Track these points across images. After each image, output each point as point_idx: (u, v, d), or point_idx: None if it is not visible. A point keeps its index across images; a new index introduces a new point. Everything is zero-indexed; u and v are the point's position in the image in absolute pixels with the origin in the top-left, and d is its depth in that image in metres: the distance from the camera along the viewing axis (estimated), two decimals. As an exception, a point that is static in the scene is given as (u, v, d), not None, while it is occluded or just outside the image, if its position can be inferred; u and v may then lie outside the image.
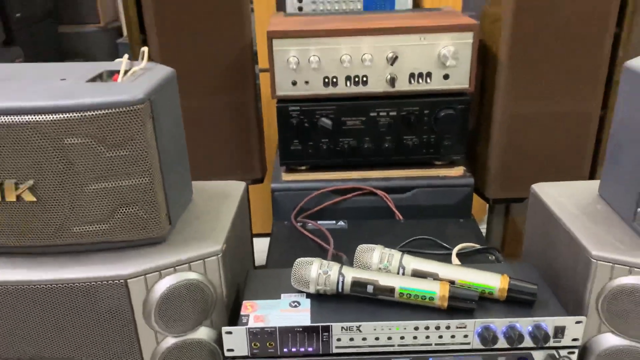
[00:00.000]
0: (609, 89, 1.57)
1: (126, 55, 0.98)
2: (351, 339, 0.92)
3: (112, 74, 0.96)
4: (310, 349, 0.92)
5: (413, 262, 1.01)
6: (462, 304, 0.93)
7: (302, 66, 1.45)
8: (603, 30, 1.52)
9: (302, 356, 0.93)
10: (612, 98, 1.58)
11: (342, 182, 1.51)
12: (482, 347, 0.93)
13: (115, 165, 0.85)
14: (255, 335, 0.91)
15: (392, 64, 1.44)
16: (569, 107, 1.59)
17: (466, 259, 1.22)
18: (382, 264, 1.01)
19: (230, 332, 0.90)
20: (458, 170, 1.55)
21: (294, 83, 1.46)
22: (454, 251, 1.22)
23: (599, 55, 1.54)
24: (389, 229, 1.39)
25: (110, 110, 0.81)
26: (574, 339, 0.92)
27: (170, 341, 0.93)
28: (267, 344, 0.91)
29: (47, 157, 0.82)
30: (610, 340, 0.93)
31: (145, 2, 1.55)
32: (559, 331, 0.92)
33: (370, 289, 0.95)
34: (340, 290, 0.96)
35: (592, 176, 1.66)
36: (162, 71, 0.95)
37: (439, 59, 1.44)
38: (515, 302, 0.96)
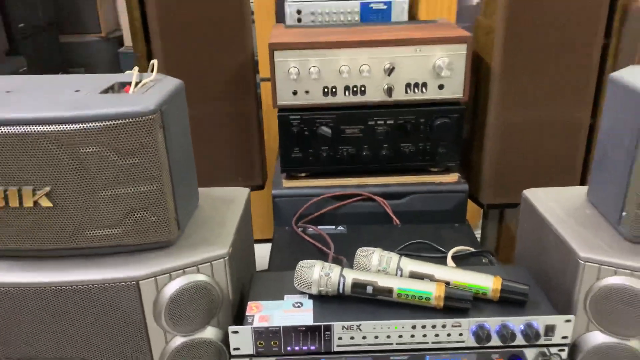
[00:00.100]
0: (599, 97, 1.63)
1: (136, 68, 1.03)
2: (352, 338, 0.96)
3: (124, 85, 1.00)
4: (312, 348, 0.96)
5: (410, 264, 1.05)
6: (457, 303, 0.97)
7: (302, 76, 1.49)
8: (592, 41, 1.57)
9: (304, 354, 0.97)
10: (602, 107, 1.63)
11: (341, 189, 1.56)
12: (476, 345, 0.97)
13: (127, 173, 0.89)
14: (260, 334, 0.95)
15: (389, 75, 1.49)
16: (559, 115, 1.64)
17: (461, 262, 1.26)
18: (381, 266, 1.05)
19: (236, 332, 0.94)
20: (453, 177, 1.59)
21: (295, 93, 1.51)
22: (449, 254, 1.26)
23: (588, 65, 1.59)
24: (387, 234, 1.42)
25: (123, 121, 0.86)
26: (564, 337, 0.96)
27: (178, 340, 0.97)
28: (272, 342, 0.95)
29: (63, 165, 0.86)
30: (598, 337, 0.97)
31: (151, 14, 1.60)
32: (550, 329, 0.96)
33: (369, 289, 1.00)
34: (341, 291, 1.01)
35: (582, 182, 1.70)
36: (172, 83, 0.99)
37: (434, 69, 1.49)
38: (508, 302, 1.00)
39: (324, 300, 1.02)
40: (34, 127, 0.84)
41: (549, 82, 1.60)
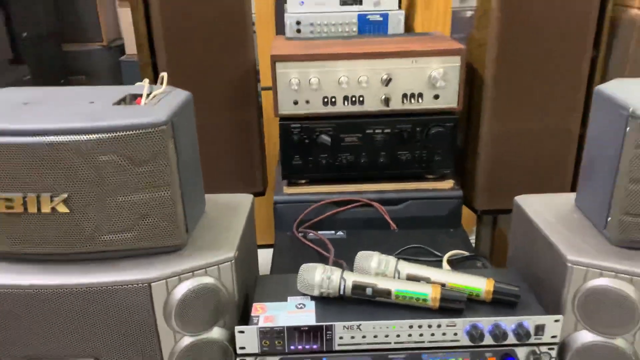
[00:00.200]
0: (588, 107, 1.68)
1: (146, 80, 1.08)
2: (352, 337, 1.01)
3: (135, 97, 1.05)
4: (315, 347, 1.01)
5: (407, 267, 1.11)
6: (452, 304, 1.02)
7: (303, 87, 1.54)
8: (581, 54, 1.63)
9: (307, 353, 1.01)
10: (591, 116, 1.69)
11: (340, 195, 1.60)
12: (470, 343, 1.01)
13: (140, 180, 0.94)
14: (265, 334, 1.00)
15: (386, 85, 1.54)
16: (550, 124, 1.69)
17: (456, 265, 1.31)
18: (379, 269, 1.10)
19: (242, 332, 0.99)
20: (448, 184, 1.64)
21: (296, 102, 1.56)
22: (445, 258, 1.32)
23: (578, 77, 1.65)
24: (384, 238, 1.47)
25: (137, 131, 0.91)
26: (553, 336, 1.01)
27: (187, 340, 1.02)
28: (276, 342, 1.00)
29: (80, 173, 0.91)
30: (585, 336, 1.02)
31: (156, 26, 1.66)
32: (540, 329, 1.00)
33: (369, 291, 1.05)
34: (342, 293, 1.05)
35: (573, 188, 1.76)
36: (181, 95, 1.05)
37: (430, 80, 1.54)
38: (500, 303, 1.05)
39: (326, 302, 1.06)
40: (52, 137, 0.89)
41: (540, 93, 1.65)
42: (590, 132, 1.11)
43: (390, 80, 1.53)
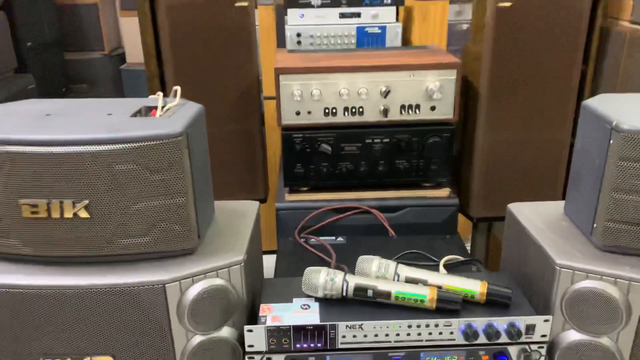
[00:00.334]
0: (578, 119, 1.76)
1: (160, 93, 1.15)
2: (354, 336, 1.07)
3: (150, 109, 1.12)
4: (319, 345, 1.07)
5: (406, 271, 1.17)
6: (448, 305, 1.08)
7: (305, 98, 1.60)
8: (571, 67, 1.70)
9: (312, 351, 1.07)
10: (580, 127, 1.76)
11: (340, 202, 1.66)
12: (465, 342, 1.07)
13: (156, 187, 1.00)
14: (272, 332, 1.06)
15: (385, 97, 1.60)
16: (542, 135, 1.76)
17: (452, 269, 1.36)
18: (380, 272, 1.16)
19: (251, 330, 1.05)
20: (444, 192, 1.70)
21: (298, 113, 1.61)
22: (441, 263, 1.38)
23: (568, 89, 1.72)
24: (383, 244, 1.52)
25: (154, 142, 0.97)
26: (543, 335, 1.07)
27: (198, 339, 1.08)
28: (283, 340, 1.06)
29: (101, 181, 0.97)
30: (572, 336, 1.08)
31: (163, 37, 1.72)
32: (530, 328, 1.06)
33: (370, 293, 1.11)
34: (344, 294, 1.12)
35: (564, 195, 1.82)
36: (194, 107, 1.11)
37: (427, 92, 1.60)
38: (493, 304, 1.10)
39: (329, 303, 1.12)
40: (75, 147, 0.96)
41: (532, 105, 1.72)
42: (577, 143, 1.18)
43: (388, 92, 1.59)
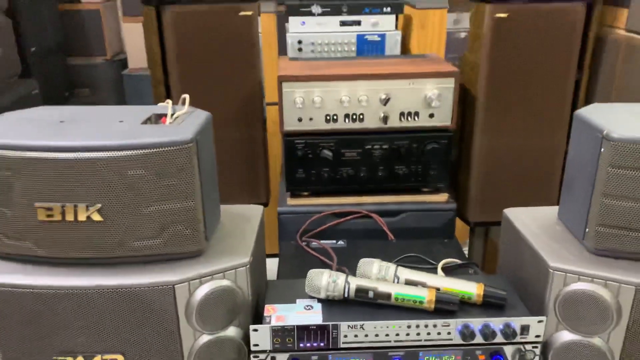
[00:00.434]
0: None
1: (169, 101, 1.19)
2: (356, 336, 1.11)
3: (160, 116, 1.16)
4: (322, 344, 1.11)
5: (406, 273, 1.21)
6: (446, 306, 1.12)
7: (307, 105, 1.64)
8: (565, 76, 1.75)
9: (315, 350, 1.11)
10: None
11: (340, 206, 1.69)
12: (462, 342, 1.11)
13: (167, 192, 1.04)
14: (277, 332, 1.10)
15: (385, 104, 1.64)
16: (538, 141, 1.81)
17: (449, 272, 1.40)
18: (380, 274, 1.20)
19: (256, 330, 1.09)
20: (442, 197, 1.73)
21: (300, 119, 1.65)
22: (439, 266, 1.42)
23: (563, 97, 1.77)
24: (383, 248, 1.55)
25: (165, 149, 1.02)
26: (537, 336, 1.11)
27: (205, 338, 1.11)
28: (287, 339, 1.10)
29: (113, 185, 1.01)
30: (565, 336, 1.12)
31: (169, 46, 1.76)
32: (525, 329, 1.10)
33: (371, 294, 1.15)
34: (346, 295, 1.16)
35: (559, 201, 1.87)
36: (203, 115, 1.15)
37: (425, 100, 1.64)
38: (489, 305, 1.14)
39: (331, 304, 1.16)
40: (90, 153, 1.00)
41: (528, 113, 1.77)
42: (571, 151, 1.22)
43: (388, 99, 1.63)
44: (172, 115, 1.14)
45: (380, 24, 2.18)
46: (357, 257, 1.26)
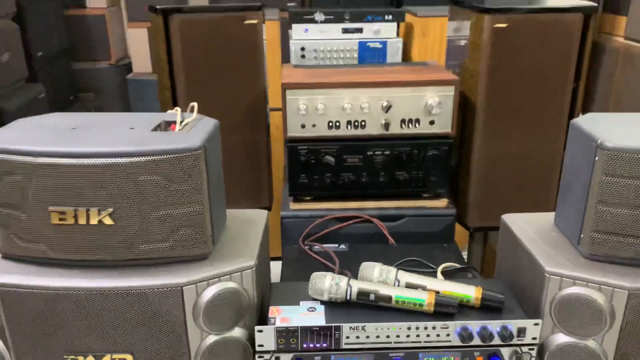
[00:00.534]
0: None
1: (178, 109, 1.23)
2: (357, 337, 1.14)
3: (169, 124, 1.20)
4: (324, 345, 1.14)
5: (406, 276, 1.24)
6: (445, 309, 1.15)
7: (310, 112, 1.67)
8: (563, 85, 1.78)
9: (318, 351, 1.15)
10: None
11: (342, 211, 1.72)
12: (460, 344, 1.14)
13: (176, 197, 1.08)
14: (281, 333, 1.13)
15: (386, 112, 1.67)
16: (536, 148, 1.84)
17: (449, 276, 1.43)
18: (381, 278, 1.24)
19: (261, 331, 1.13)
20: (442, 202, 1.77)
21: (303, 126, 1.69)
22: (439, 270, 1.46)
23: (560, 105, 1.80)
24: (383, 252, 1.58)
25: (175, 155, 1.05)
26: (533, 338, 1.14)
27: (212, 338, 1.15)
28: (291, 340, 1.13)
29: (125, 190, 1.05)
30: (561, 338, 1.15)
31: (176, 53, 1.80)
32: (521, 331, 1.13)
33: (372, 297, 1.18)
34: (348, 298, 1.19)
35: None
36: (211, 122, 1.19)
37: (426, 107, 1.67)
38: (487, 308, 1.17)
39: (334, 306, 1.19)
40: (102, 159, 1.03)
41: (527, 119, 1.80)
42: (567, 159, 1.26)
43: (390, 107, 1.67)
44: (181, 122, 1.18)
45: (382, 32, 2.22)
46: (358, 261, 1.30)
